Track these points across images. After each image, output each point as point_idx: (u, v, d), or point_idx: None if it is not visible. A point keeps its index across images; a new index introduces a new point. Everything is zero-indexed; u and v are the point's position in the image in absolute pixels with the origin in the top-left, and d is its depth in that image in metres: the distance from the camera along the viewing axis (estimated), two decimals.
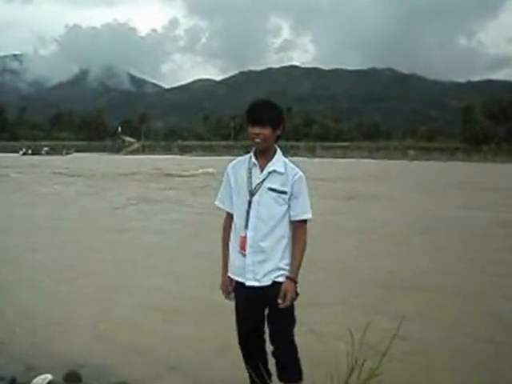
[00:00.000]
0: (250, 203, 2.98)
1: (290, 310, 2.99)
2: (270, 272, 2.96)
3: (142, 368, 4.11)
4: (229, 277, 3.12)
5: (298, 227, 3.02)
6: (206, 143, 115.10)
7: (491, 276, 7.46)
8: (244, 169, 3.05)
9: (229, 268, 3.12)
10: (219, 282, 3.25)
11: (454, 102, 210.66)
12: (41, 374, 3.81)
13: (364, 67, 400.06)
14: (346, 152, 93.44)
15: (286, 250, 3.00)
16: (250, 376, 3.08)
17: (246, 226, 2.99)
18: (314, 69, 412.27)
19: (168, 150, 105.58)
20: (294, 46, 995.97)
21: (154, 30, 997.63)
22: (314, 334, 4.72)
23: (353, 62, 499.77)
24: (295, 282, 2.97)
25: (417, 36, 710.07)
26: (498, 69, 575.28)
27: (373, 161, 72.62)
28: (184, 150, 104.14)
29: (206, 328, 5.12)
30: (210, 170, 36.71)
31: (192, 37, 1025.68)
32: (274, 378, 3.07)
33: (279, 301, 2.90)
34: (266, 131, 2.90)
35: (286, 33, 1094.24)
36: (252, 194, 2.98)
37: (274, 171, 2.96)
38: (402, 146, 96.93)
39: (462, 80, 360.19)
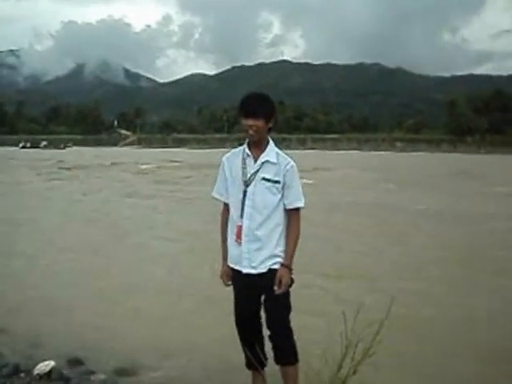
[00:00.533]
0: (244, 193, 3.04)
1: (285, 296, 3.05)
2: (266, 259, 3.04)
3: (141, 354, 4.14)
4: (228, 266, 3.19)
5: (292, 215, 3.10)
6: (201, 136, 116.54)
7: (483, 262, 7.59)
8: (238, 160, 3.12)
9: (228, 257, 3.20)
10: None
11: (439, 96, 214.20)
12: (43, 360, 3.82)
13: (352, 62, 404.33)
14: (336, 144, 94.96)
15: (281, 238, 3.08)
16: (246, 357, 3.19)
17: (242, 215, 3.05)
18: (305, 63, 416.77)
19: (163, 143, 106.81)
20: (285, 41, 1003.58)
21: (148, 26, 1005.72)
22: (309, 318, 4.74)
23: (342, 56, 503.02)
24: (290, 269, 3.04)
25: (403, 32, 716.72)
26: (481, 64, 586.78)
27: (362, 152, 73.33)
28: (179, 143, 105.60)
29: (201, 313, 5.17)
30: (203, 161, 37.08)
31: (185, 32, 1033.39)
32: (271, 361, 3.16)
33: (275, 287, 2.98)
34: (259, 123, 2.96)
35: (276, 28, 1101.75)
36: (247, 184, 3.05)
37: (267, 161, 3.04)
38: (390, 138, 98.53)
39: (447, 74, 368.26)
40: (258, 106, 3.00)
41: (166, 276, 6.75)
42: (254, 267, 3.06)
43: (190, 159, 43.73)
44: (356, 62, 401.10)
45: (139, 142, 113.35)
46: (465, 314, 5.27)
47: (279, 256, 3.07)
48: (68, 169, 31.00)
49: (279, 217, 3.08)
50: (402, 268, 7.28)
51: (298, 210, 3.12)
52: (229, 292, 3.26)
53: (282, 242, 3.10)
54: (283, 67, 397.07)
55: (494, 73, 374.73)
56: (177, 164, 36.40)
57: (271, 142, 3.14)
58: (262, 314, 3.18)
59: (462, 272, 7.05)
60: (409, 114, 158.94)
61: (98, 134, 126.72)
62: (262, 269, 3.05)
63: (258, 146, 3.09)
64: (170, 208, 14.00)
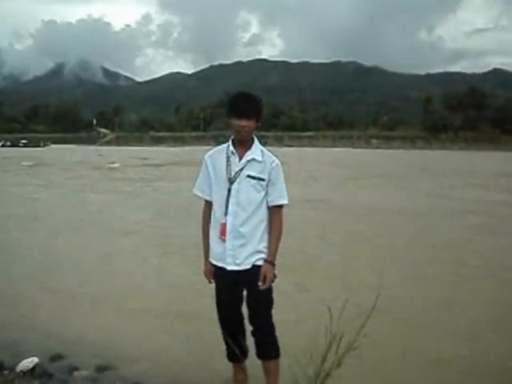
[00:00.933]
0: (229, 191, 3.06)
1: (268, 292, 3.10)
2: (250, 255, 3.08)
3: (124, 350, 4.15)
4: (210, 262, 3.22)
5: (275, 212, 3.14)
6: (178, 134, 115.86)
7: (459, 251, 7.79)
8: (222, 158, 3.12)
9: (210, 254, 3.22)
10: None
11: (414, 94, 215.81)
12: (27, 357, 3.81)
13: (329, 60, 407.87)
14: (312, 141, 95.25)
15: (265, 233, 3.13)
16: (228, 349, 3.28)
17: (226, 212, 3.06)
18: (282, 62, 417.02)
19: (141, 141, 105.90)
20: (263, 41, 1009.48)
21: (127, 25, 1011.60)
22: (293, 312, 4.79)
23: (318, 55, 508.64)
24: (273, 265, 3.09)
25: (379, 30, 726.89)
26: (456, 61, 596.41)
27: (338, 149, 73.09)
28: (156, 141, 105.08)
29: (181, 311, 5.14)
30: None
31: (164, 32, 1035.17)
32: (252, 355, 3.23)
33: (259, 283, 3.03)
34: (251, 123, 3.01)
35: (254, 27, 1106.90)
36: (231, 181, 3.06)
37: (253, 159, 3.07)
38: (366, 135, 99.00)
39: (422, 72, 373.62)
40: (250, 107, 3.05)
41: (138, 271, 6.73)
42: (238, 264, 3.09)
43: (161, 157, 43.75)
44: (332, 61, 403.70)
45: (117, 140, 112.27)
46: (450, 306, 5.34)
47: (263, 252, 3.12)
48: (30, 166, 30.75)
49: (263, 213, 3.13)
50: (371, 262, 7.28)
51: (281, 206, 3.17)
52: (204, 286, 3.34)
53: (266, 237, 3.15)
54: (261, 66, 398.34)
55: (468, 70, 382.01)
56: (145, 162, 36.55)
57: (256, 140, 3.16)
58: (244, 307, 3.25)
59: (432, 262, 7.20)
60: (384, 111, 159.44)
61: (78, 132, 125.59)
62: (246, 265, 3.09)
63: (242, 144, 3.11)
64: (122, 203, 14.04)
